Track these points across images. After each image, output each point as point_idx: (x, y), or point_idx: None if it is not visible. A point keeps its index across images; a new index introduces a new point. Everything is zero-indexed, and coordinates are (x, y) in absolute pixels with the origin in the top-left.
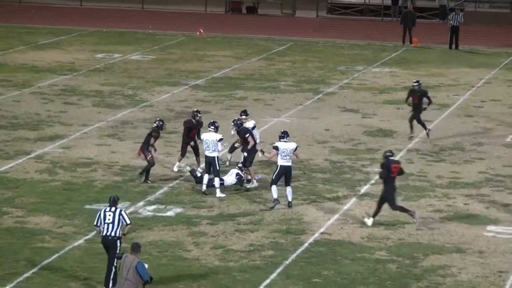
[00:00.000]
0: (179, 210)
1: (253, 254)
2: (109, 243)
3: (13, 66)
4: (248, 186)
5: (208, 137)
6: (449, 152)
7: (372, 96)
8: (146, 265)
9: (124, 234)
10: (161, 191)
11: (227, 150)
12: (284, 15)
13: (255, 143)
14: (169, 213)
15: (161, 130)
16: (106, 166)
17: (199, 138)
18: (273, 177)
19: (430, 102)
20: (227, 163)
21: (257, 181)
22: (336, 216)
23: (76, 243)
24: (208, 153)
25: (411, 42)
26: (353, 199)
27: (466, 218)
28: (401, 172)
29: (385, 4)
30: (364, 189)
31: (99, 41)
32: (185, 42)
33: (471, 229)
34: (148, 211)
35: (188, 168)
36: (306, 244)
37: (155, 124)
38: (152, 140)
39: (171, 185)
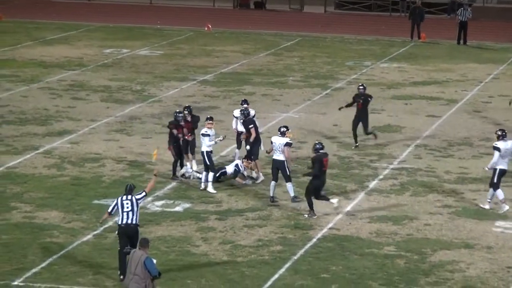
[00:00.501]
0: (187, 205)
1: (261, 249)
2: (131, 231)
3: (21, 62)
4: (257, 181)
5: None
6: (457, 148)
7: (380, 92)
8: (155, 260)
9: (155, 175)
10: (169, 186)
11: (236, 146)
12: (292, 10)
13: (258, 135)
14: (177, 208)
15: (180, 119)
16: (115, 161)
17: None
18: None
19: (368, 102)
20: (236, 157)
21: (250, 179)
22: (345, 211)
23: (84, 238)
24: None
25: (419, 38)
26: (362, 195)
27: (475, 214)
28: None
29: None
30: (372, 184)
31: (107, 36)
32: (193, 37)
33: (479, 224)
34: (156, 206)
35: (196, 174)
36: (314, 240)
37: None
38: (174, 132)
39: (179, 180)
